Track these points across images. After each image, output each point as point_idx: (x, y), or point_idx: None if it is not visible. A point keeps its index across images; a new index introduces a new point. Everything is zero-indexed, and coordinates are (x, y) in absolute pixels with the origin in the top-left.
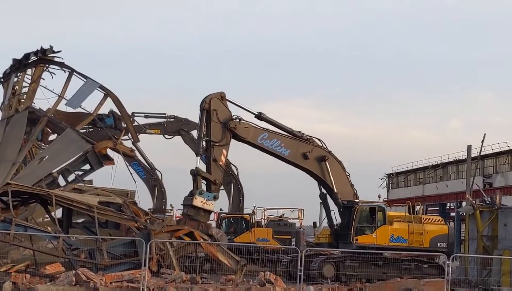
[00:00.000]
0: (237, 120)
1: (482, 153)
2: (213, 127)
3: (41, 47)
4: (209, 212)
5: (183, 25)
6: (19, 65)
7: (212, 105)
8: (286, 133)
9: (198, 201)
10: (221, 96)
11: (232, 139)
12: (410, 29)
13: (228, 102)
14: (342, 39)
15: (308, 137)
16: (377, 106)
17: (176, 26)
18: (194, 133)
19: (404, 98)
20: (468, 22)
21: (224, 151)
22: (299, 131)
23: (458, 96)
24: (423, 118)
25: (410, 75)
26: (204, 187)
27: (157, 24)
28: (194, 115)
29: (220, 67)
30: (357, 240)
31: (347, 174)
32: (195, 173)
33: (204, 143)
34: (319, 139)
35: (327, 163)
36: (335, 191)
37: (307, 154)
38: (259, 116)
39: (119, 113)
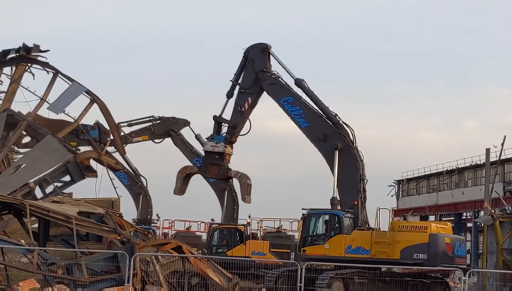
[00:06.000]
0: (268, 73)
1: (502, 157)
2: (246, 74)
3: (24, 44)
4: (221, 154)
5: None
6: None
7: (250, 54)
8: (317, 108)
9: (208, 146)
10: (263, 48)
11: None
12: (422, 19)
13: (271, 57)
14: (341, 31)
15: (340, 120)
16: (382, 104)
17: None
18: (184, 133)
19: (413, 95)
20: (483, 13)
21: (250, 99)
22: (336, 115)
23: (474, 93)
24: (435, 117)
25: (419, 69)
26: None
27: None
28: (182, 114)
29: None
30: (304, 251)
31: (363, 178)
32: (214, 119)
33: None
34: (351, 130)
35: (341, 153)
36: (335, 185)
37: (324, 135)
38: (298, 82)
39: (105, 125)
